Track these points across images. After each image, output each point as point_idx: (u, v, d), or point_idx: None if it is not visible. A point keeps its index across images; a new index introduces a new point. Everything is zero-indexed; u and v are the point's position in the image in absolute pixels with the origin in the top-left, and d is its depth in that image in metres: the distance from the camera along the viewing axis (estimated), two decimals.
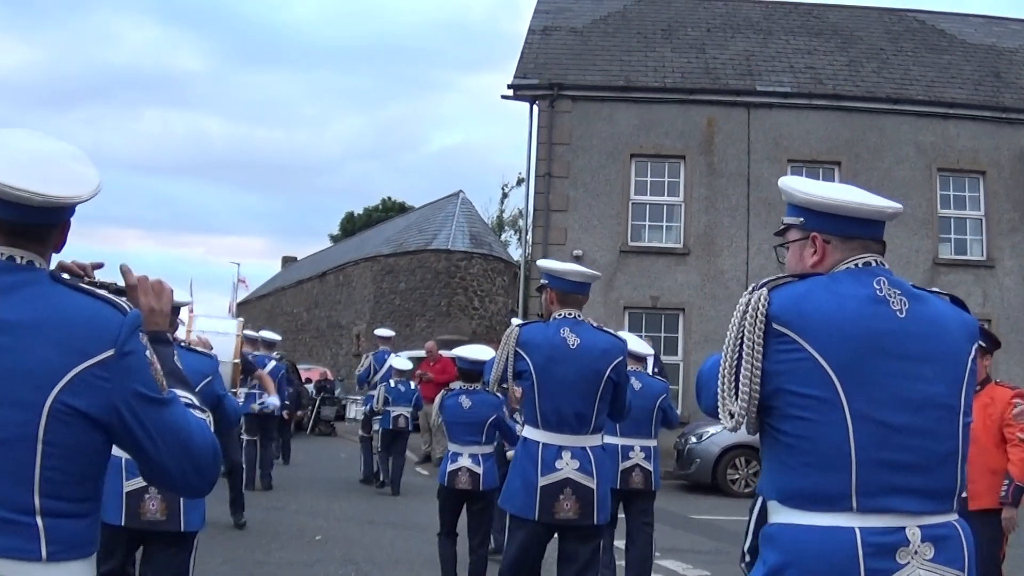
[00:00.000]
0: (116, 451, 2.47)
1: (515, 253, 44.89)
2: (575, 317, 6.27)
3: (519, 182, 52.55)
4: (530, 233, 25.12)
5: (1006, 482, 6.99)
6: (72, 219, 2.54)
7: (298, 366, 29.33)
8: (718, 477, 17.45)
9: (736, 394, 3.01)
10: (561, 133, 24.16)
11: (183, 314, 7.32)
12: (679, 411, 18.01)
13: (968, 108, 24.13)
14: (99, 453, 2.37)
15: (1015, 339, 22.19)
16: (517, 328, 6.33)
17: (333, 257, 54.15)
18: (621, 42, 26.40)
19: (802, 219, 3.17)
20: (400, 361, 16.59)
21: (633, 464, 8.74)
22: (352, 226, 69.00)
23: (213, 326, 8.48)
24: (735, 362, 3.02)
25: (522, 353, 6.19)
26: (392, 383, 15.97)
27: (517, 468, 6.28)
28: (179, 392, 2.60)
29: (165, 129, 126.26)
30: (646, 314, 23.70)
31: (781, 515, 3.00)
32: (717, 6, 28.30)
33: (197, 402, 2.67)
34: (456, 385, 8.79)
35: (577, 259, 21.73)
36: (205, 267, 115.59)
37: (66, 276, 2.53)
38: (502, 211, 59.78)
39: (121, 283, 2.78)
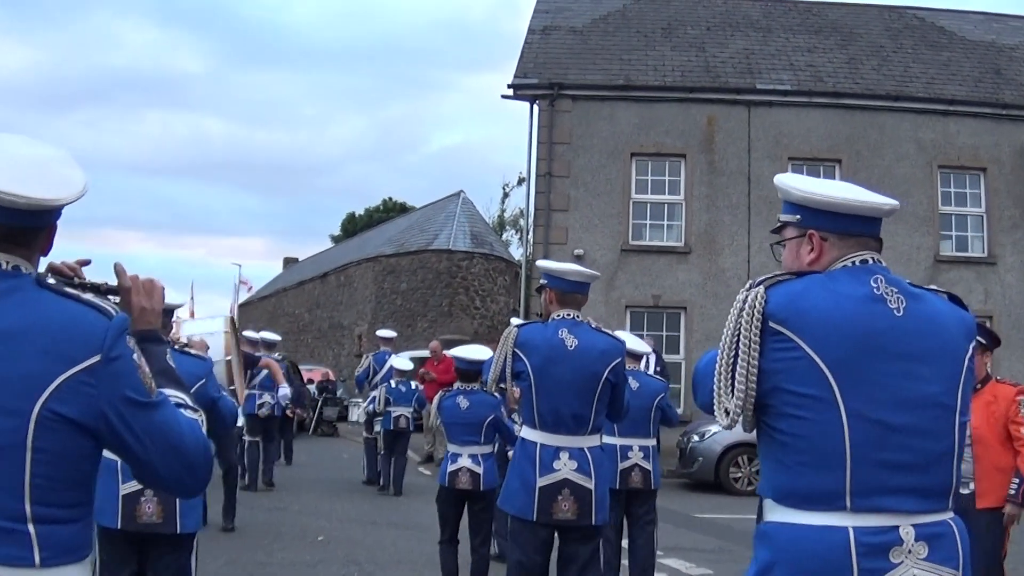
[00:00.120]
0: (111, 454, 2.46)
1: (516, 253, 44.88)
2: (574, 318, 6.26)
3: (520, 182, 52.72)
4: (531, 233, 25.10)
5: (1016, 480, 6.97)
6: (59, 222, 2.53)
7: (300, 367, 29.31)
8: (721, 475, 17.43)
9: (732, 392, 3.00)
10: (561, 132, 24.16)
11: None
12: (681, 410, 18.04)
13: (968, 105, 24.12)
14: (89, 459, 2.36)
15: (1016, 336, 22.19)
16: (515, 329, 6.32)
17: (334, 258, 54.14)
18: (621, 41, 26.39)
19: (799, 216, 3.15)
20: (401, 361, 16.56)
21: (632, 464, 8.72)
22: (353, 226, 68.99)
23: (200, 328, 8.46)
24: (731, 360, 3.01)
25: (520, 354, 6.18)
26: (393, 383, 15.95)
27: (515, 469, 6.27)
28: (170, 392, 2.59)
29: (165, 130, 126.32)
30: (648, 313, 23.70)
31: (775, 514, 3.00)
32: (717, 4, 28.30)
33: (190, 401, 2.66)
34: (457, 386, 8.78)
35: (578, 258, 21.73)
36: (206, 268, 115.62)
37: (52, 280, 2.52)
38: (503, 211, 59.87)
39: (113, 282, 2.77)
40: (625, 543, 9.08)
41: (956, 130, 24.04)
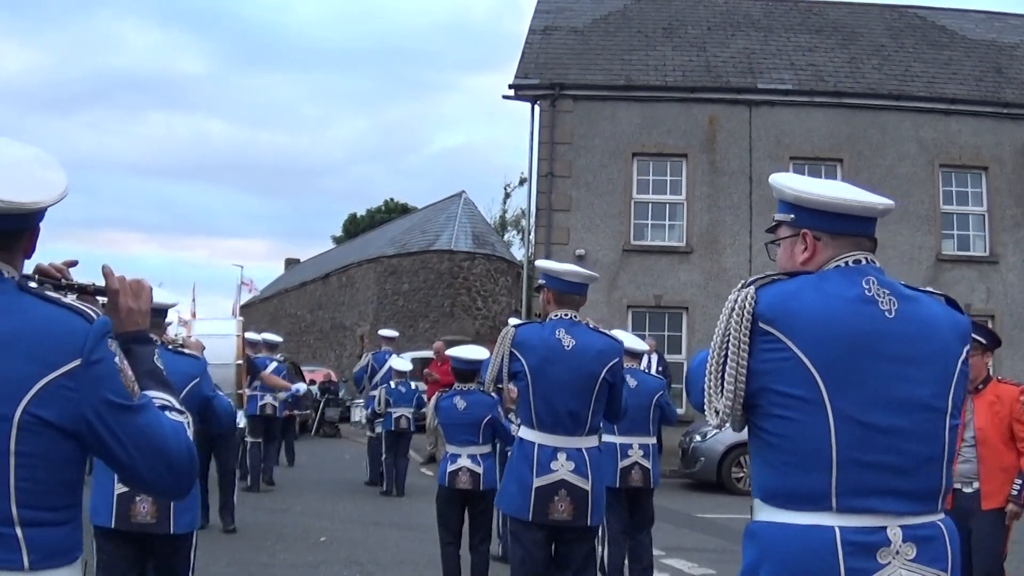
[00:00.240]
0: None
1: (518, 253, 44.90)
2: (571, 318, 6.26)
3: (521, 182, 52.76)
4: (533, 233, 25.11)
5: (1019, 481, 6.96)
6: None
7: (302, 368, 29.31)
8: (723, 475, 17.43)
9: (722, 392, 3.01)
10: (563, 133, 24.17)
11: (171, 316, 7.27)
12: (682, 410, 18.01)
13: (970, 104, 24.11)
14: (73, 462, 2.36)
15: (1018, 335, 22.19)
16: (513, 329, 6.32)
17: (336, 259, 54.13)
18: (622, 41, 26.39)
19: (792, 216, 3.15)
20: (400, 362, 16.55)
21: (632, 462, 8.74)
22: (355, 227, 68.98)
23: (213, 328, 8.45)
24: (722, 360, 3.01)
25: (517, 354, 6.18)
26: (392, 384, 15.95)
27: (512, 469, 6.28)
28: (156, 393, 2.58)
29: (168, 132, 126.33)
30: (649, 313, 23.71)
31: (763, 513, 3.00)
32: (717, 4, 28.29)
33: (176, 403, 2.65)
34: (454, 386, 8.78)
35: (580, 259, 21.76)
36: (208, 270, 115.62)
37: (34, 284, 2.51)
38: (505, 211, 59.89)
39: (100, 283, 2.76)
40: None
41: (957, 129, 24.03)
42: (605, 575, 8.66)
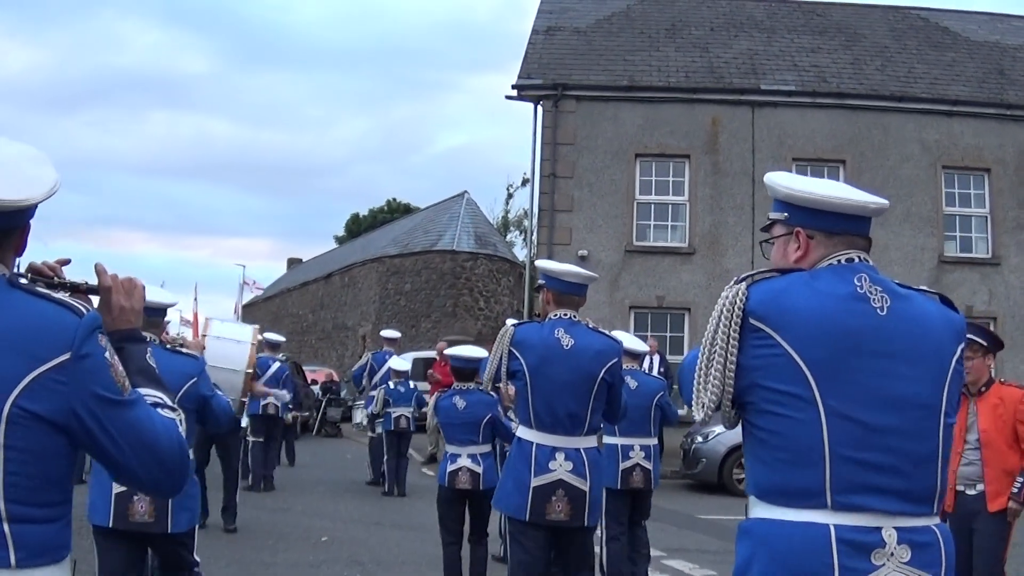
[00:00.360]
0: None
1: (520, 253, 44.97)
2: (571, 318, 6.26)
3: (524, 182, 52.76)
4: (535, 233, 25.12)
5: (1020, 479, 6.95)
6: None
7: (304, 367, 29.30)
8: (724, 477, 17.41)
9: (709, 386, 3.02)
10: (565, 133, 24.17)
11: (172, 315, 7.27)
12: (683, 411, 18.02)
13: (972, 105, 24.11)
14: (63, 457, 2.35)
15: (1020, 337, 22.18)
16: (511, 328, 6.31)
17: (338, 258, 54.14)
18: (625, 42, 26.39)
19: (786, 214, 3.15)
20: (398, 362, 16.55)
21: (633, 464, 8.74)
22: (357, 227, 68.99)
23: (230, 332, 8.39)
24: (712, 355, 3.02)
25: (516, 353, 6.17)
26: (391, 384, 15.96)
27: (511, 468, 6.27)
28: (148, 391, 2.58)
29: (170, 131, 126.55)
30: (651, 314, 23.70)
31: (757, 510, 3.00)
32: (720, 5, 28.29)
33: (168, 401, 2.65)
34: (453, 386, 8.77)
35: (582, 259, 21.78)
36: (211, 269, 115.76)
37: (25, 280, 2.50)
38: (507, 211, 59.89)
39: (93, 282, 2.76)
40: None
41: (960, 131, 24.03)
42: (605, 575, 8.67)
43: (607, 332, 6.59)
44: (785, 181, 3.14)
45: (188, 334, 21.98)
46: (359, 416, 23.09)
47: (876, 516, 2.83)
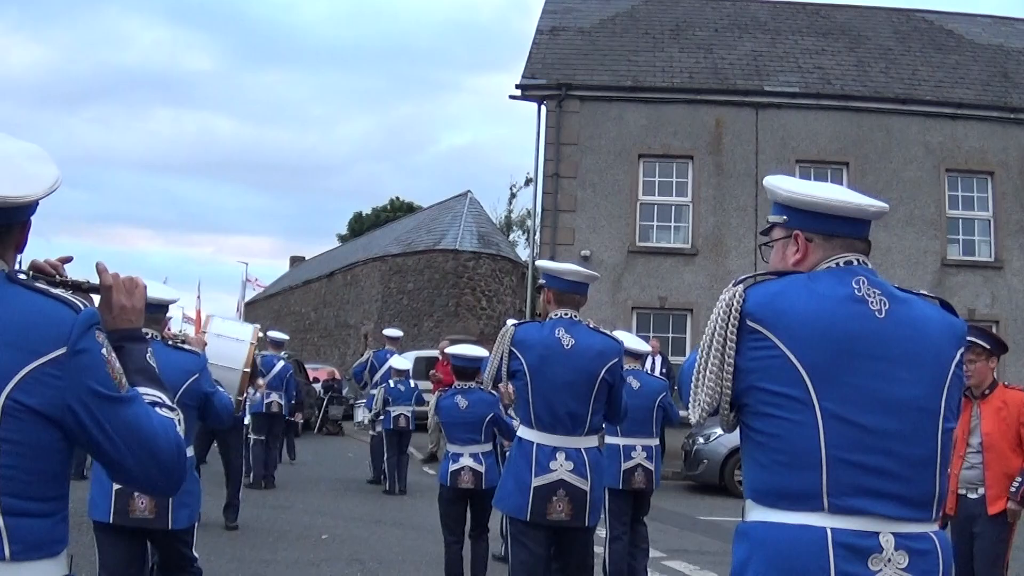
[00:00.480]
0: None
1: (523, 253, 44.94)
2: (571, 317, 6.25)
3: (527, 182, 52.78)
4: (538, 233, 25.11)
5: (1018, 479, 6.94)
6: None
7: (306, 366, 29.32)
8: (725, 478, 17.40)
9: (706, 388, 3.01)
10: (569, 133, 24.17)
11: (174, 311, 7.27)
12: (684, 411, 18.00)
13: (976, 108, 24.10)
14: (58, 452, 2.35)
15: (1023, 340, 22.15)
16: (512, 327, 6.30)
17: (341, 257, 54.16)
18: (629, 42, 26.39)
19: (785, 217, 3.15)
20: (399, 361, 16.56)
21: (635, 464, 8.74)
22: (360, 226, 68.99)
23: (229, 330, 8.40)
24: (708, 357, 3.02)
25: (516, 352, 6.16)
26: (392, 383, 15.97)
27: (511, 468, 6.26)
28: (146, 390, 2.58)
29: (175, 129, 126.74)
30: (654, 314, 23.70)
31: (754, 513, 2.99)
32: (725, 6, 28.28)
33: (167, 400, 2.65)
34: (454, 385, 8.76)
35: (585, 259, 21.79)
36: (214, 266, 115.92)
37: (23, 276, 2.50)
38: (510, 211, 59.95)
39: (94, 280, 2.76)
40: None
41: (964, 133, 24.02)
42: (607, 575, 8.67)
43: (608, 332, 6.58)
44: (784, 184, 3.14)
45: (191, 331, 21.99)
46: (360, 414, 23.12)
47: (873, 520, 2.82)
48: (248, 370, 7.92)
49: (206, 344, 6.74)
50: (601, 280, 19.76)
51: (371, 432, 17.83)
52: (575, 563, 6.32)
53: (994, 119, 24.07)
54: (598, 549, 7.32)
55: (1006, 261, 23.53)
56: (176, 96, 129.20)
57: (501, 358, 6.22)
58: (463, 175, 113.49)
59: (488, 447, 8.62)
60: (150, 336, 5.34)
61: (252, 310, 51.56)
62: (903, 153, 23.86)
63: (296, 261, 69.67)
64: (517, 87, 24.51)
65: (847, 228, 3.08)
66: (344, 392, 30.56)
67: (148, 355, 2.73)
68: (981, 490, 7.00)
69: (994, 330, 18.37)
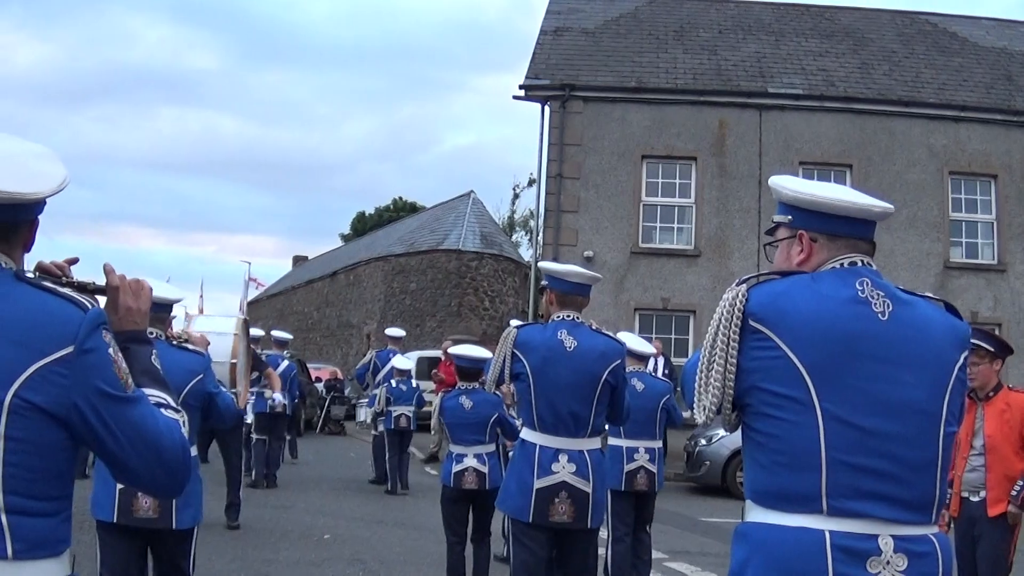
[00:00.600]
0: None
1: (526, 254, 44.89)
2: (574, 319, 6.24)
3: (530, 183, 52.64)
4: (541, 234, 25.15)
5: (1020, 483, 6.93)
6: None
7: (308, 365, 29.30)
8: (728, 479, 17.39)
9: (709, 388, 3.00)
10: (572, 134, 24.18)
11: (178, 311, 7.26)
12: (688, 413, 18.01)
13: (980, 111, 24.11)
14: (63, 451, 2.35)
15: None
16: (514, 329, 6.29)
17: (344, 257, 54.17)
18: (633, 43, 26.40)
19: (790, 217, 3.13)
20: (401, 361, 16.55)
21: (638, 466, 8.72)
22: (363, 226, 69.05)
23: (211, 326, 8.41)
24: (712, 357, 3.00)
25: (519, 354, 6.15)
26: (393, 383, 15.97)
27: (514, 470, 6.25)
28: (151, 391, 2.58)
29: (178, 127, 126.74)
30: (657, 315, 23.71)
31: (753, 514, 2.98)
32: (729, 8, 28.30)
33: (172, 402, 2.65)
34: (458, 386, 8.74)
35: (588, 260, 21.79)
36: (217, 265, 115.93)
37: (31, 275, 2.50)
38: (513, 212, 59.88)
39: (100, 282, 2.76)
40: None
41: (967, 136, 24.02)
42: None
43: (611, 334, 6.57)
44: (789, 184, 3.13)
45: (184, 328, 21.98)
46: (362, 414, 23.12)
47: (872, 523, 2.81)
48: (235, 361, 7.93)
49: (209, 343, 6.73)
50: (604, 281, 19.75)
51: (373, 432, 17.81)
52: (576, 565, 6.31)
53: (997, 122, 24.08)
54: (600, 551, 7.31)
55: (1009, 264, 23.53)
56: (180, 95, 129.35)
57: (504, 360, 6.21)
58: (466, 175, 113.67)
59: (492, 447, 8.60)
60: (154, 336, 5.34)
61: (255, 309, 51.62)
62: (906, 155, 23.87)
63: (299, 260, 69.71)
64: (521, 87, 24.54)
65: (852, 229, 3.06)
66: (346, 392, 30.55)
67: (153, 357, 2.73)
68: (983, 493, 6.99)
69: (997, 333, 18.37)
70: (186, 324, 8.27)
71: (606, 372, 6.17)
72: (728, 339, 2.95)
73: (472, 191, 44.16)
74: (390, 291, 41.29)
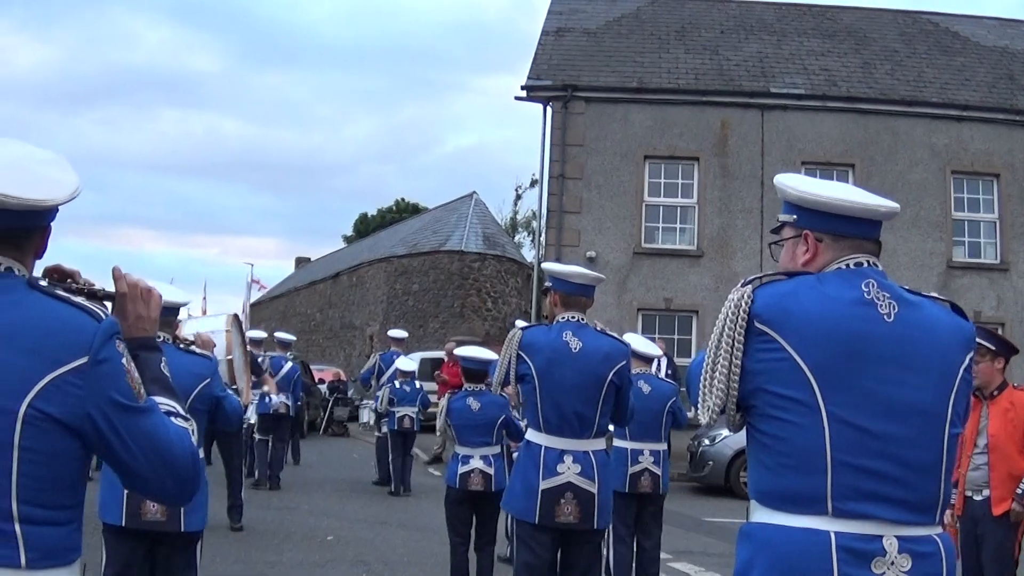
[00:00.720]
0: None
1: (528, 254, 44.90)
2: (578, 320, 6.24)
3: (533, 183, 52.73)
4: (543, 234, 25.12)
5: None
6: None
7: (311, 367, 29.32)
8: (731, 479, 17.41)
9: (714, 389, 2.99)
10: (575, 134, 24.17)
11: (182, 313, 7.26)
12: (692, 414, 17.98)
13: (982, 110, 24.08)
14: (76, 460, 2.36)
15: None
16: (519, 331, 6.29)
17: (346, 258, 54.21)
18: (635, 43, 26.39)
19: (795, 216, 3.12)
20: (405, 362, 16.56)
21: (642, 468, 8.70)
22: (365, 227, 69.12)
23: (200, 326, 8.42)
24: (717, 359, 3.00)
25: (524, 356, 6.15)
26: (397, 384, 15.97)
27: (519, 471, 6.25)
28: (161, 400, 2.58)
29: (180, 129, 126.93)
30: (659, 316, 23.70)
31: (758, 514, 2.98)
32: (730, 8, 28.28)
33: (181, 410, 2.65)
34: (465, 387, 8.73)
35: (591, 261, 21.78)
36: (219, 267, 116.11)
37: (43, 283, 2.50)
38: (516, 212, 59.94)
39: (111, 288, 2.76)
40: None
41: (970, 135, 23.99)
42: None
43: (615, 334, 6.57)
44: (795, 183, 3.11)
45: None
46: (366, 415, 23.13)
47: (877, 524, 2.81)
48: (231, 358, 7.94)
49: (215, 345, 6.73)
50: (606, 281, 19.73)
51: (376, 433, 17.82)
52: (582, 567, 6.30)
53: (1000, 121, 24.06)
54: (603, 551, 7.31)
55: (1012, 263, 23.51)
56: (182, 97, 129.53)
57: (509, 361, 6.21)
58: (468, 176, 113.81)
59: (498, 449, 8.61)
60: (161, 339, 5.35)
61: (258, 311, 51.64)
62: (909, 155, 23.85)
63: (301, 262, 69.75)
64: (523, 88, 24.52)
65: (857, 229, 3.05)
66: (349, 393, 30.57)
67: (162, 364, 2.73)
68: (986, 491, 6.99)
69: (1000, 332, 18.37)
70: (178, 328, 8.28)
71: (611, 373, 6.17)
72: (733, 340, 2.94)
73: (474, 192, 44.21)
74: (393, 292, 41.31)
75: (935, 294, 3.13)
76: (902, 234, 22.56)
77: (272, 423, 15.83)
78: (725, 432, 16.95)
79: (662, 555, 9.38)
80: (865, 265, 3.03)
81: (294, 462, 19.42)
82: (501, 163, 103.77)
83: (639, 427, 8.40)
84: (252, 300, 39.65)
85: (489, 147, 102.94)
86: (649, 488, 8.74)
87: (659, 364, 16.39)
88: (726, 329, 2.97)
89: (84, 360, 2.31)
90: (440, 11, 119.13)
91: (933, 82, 25.06)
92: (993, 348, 7.05)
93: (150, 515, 5.54)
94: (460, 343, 16.10)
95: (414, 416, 15.90)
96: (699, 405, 3.08)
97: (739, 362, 2.94)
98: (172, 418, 2.56)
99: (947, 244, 23.60)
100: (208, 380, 5.88)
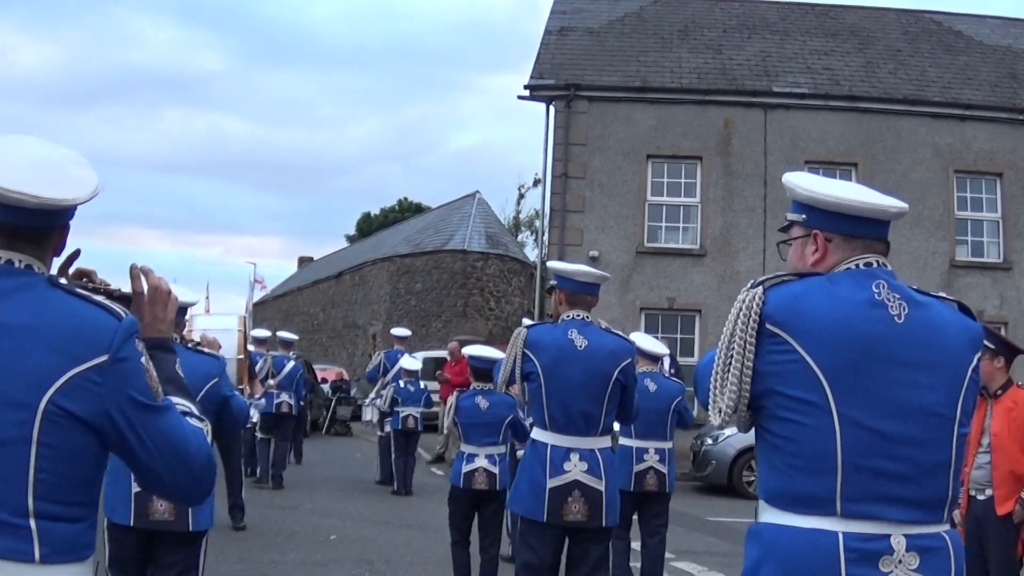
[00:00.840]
0: None
1: (531, 254, 44.90)
2: (583, 318, 6.24)
3: (536, 183, 52.79)
4: (546, 234, 25.13)
5: None
6: (75, 218, 2.55)
7: (314, 366, 29.32)
8: (734, 479, 17.41)
9: (726, 391, 2.98)
10: (577, 134, 24.17)
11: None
12: (695, 413, 18.00)
13: (985, 110, 24.06)
14: (93, 457, 2.38)
15: None
16: (525, 329, 6.30)
17: (349, 257, 54.16)
18: (637, 43, 26.39)
19: (804, 216, 3.11)
20: (409, 361, 16.54)
21: (648, 467, 8.70)
22: (368, 226, 69.05)
23: (213, 324, 8.43)
24: (728, 359, 2.98)
25: (529, 354, 6.15)
26: (401, 383, 15.96)
27: (525, 470, 6.26)
28: (176, 400, 2.60)
29: (185, 129, 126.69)
30: (662, 315, 23.69)
31: (767, 515, 2.98)
32: (734, 7, 28.27)
33: (196, 411, 2.67)
34: (473, 386, 8.73)
35: (593, 260, 21.75)
36: (223, 267, 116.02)
37: (64, 281, 2.53)
38: (519, 212, 59.96)
39: (127, 288, 2.77)
40: (636, 545, 9.08)
41: (972, 135, 23.98)
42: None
43: (620, 333, 6.58)
44: (804, 183, 3.10)
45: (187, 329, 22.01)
46: (369, 414, 23.14)
47: (885, 524, 2.81)
48: (242, 357, 7.94)
49: (220, 346, 6.74)
50: (609, 281, 19.75)
51: (379, 432, 17.82)
52: (591, 563, 6.28)
53: (1003, 120, 24.05)
54: None
55: (1015, 262, 23.49)
56: (186, 96, 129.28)
57: (514, 360, 6.22)
58: (471, 176, 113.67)
59: (503, 449, 8.62)
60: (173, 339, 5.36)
61: (261, 310, 51.60)
62: (912, 154, 23.83)
63: (304, 261, 69.67)
64: (526, 87, 24.53)
65: (867, 229, 3.06)
66: (352, 392, 30.56)
67: (177, 365, 2.75)
68: (989, 491, 6.99)
69: (1003, 332, 18.35)
70: (187, 326, 8.30)
71: (616, 371, 6.18)
72: (745, 342, 2.92)
73: (477, 191, 44.12)
74: (396, 292, 41.28)
75: (943, 294, 3.13)
76: (905, 233, 22.53)
77: (275, 422, 15.84)
78: (728, 431, 16.96)
79: (666, 555, 9.38)
80: (875, 265, 3.03)
81: (297, 461, 19.41)
82: (504, 162, 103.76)
83: (645, 426, 8.41)
84: (255, 300, 39.68)
85: (492, 146, 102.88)
86: (655, 487, 8.73)
87: (661, 363, 16.39)
88: (737, 330, 2.95)
89: (104, 358, 2.32)
90: (444, 11, 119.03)
91: (936, 81, 25.05)
92: (992, 346, 7.04)
93: (158, 515, 5.53)
94: (463, 343, 16.10)
95: (418, 416, 15.88)
96: (709, 406, 3.07)
97: (751, 364, 2.93)
98: (187, 418, 2.58)
99: (950, 243, 23.59)
100: (216, 379, 5.88)
